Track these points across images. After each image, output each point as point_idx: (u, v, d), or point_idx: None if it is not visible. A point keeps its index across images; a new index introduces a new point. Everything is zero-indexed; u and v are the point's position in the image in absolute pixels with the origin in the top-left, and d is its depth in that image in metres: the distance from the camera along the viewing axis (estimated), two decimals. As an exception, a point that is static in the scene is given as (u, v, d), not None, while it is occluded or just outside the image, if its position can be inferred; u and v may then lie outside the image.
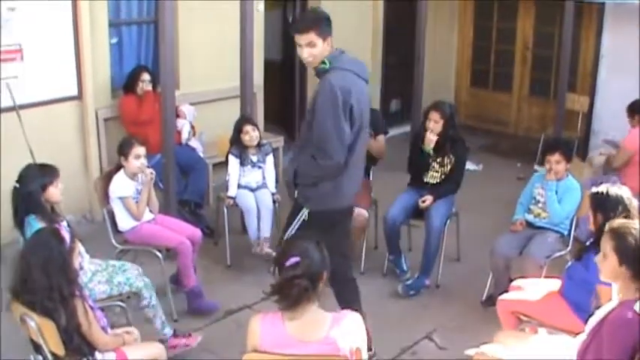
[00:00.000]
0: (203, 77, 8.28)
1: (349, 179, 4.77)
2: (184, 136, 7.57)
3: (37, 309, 3.86)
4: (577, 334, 3.96)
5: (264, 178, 6.77)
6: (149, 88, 7.36)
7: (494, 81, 11.64)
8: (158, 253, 5.71)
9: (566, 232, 5.91)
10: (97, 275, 5.01)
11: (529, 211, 6.07)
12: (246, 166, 6.65)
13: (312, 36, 4.59)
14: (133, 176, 5.71)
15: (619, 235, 3.46)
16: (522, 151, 10.17)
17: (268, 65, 9.24)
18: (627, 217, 4.19)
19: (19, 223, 4.77)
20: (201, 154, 7.74)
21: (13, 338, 4.69)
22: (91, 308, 4.08)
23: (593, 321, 3.55)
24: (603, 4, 9.66)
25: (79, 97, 7.28)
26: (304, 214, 4.74)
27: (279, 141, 8.82)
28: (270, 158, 6.83)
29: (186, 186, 7.29)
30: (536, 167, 8.47)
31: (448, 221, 6.40)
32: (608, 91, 9.83)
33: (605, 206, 4.45)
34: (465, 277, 6.55)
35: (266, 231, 6.59)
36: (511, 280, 5.40)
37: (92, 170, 7.38)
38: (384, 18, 10.63)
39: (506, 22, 11.23)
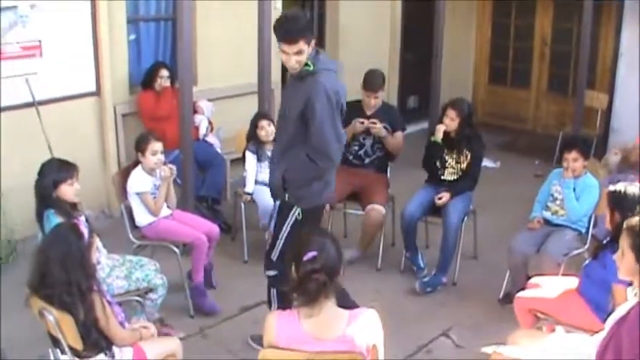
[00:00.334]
0: (221, 73, 8.30)
1: (332, 174, 4.91)
2: (202, 131, 7.59)
3: (56, 303, 3.88)
4: (595, 332, 3.94)
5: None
6: (167, 84, 7.39)
7: (512, 78, 11.61)
8: (175, 249, 5.73)
9: (584, 230, 5.88)
10: (115, 270, 5.03)
11: (547, 208, 6.05)
12: (264, 162, 6.65)
13: (301, 44, 4.55)
14: (150, 172, 5.73)
15: (637, 233, 3.44)
16: (540, 148, 10.12)
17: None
18: None
19: (38, 216, 4.81)
20: (219, 150, 7.75)
21: (31, 332, 4.73)
22: (109, 303, 4.10)
23: (612, 319, 3.53)
24: (622, 0, 9.60)
25: (98, 93, 7.31)
26: (297, 212, 4.79)
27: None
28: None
29: (203, 182, 7.30)
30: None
31: (465, 218, 6.38)
32: (627, 89, 9.75)
33: (622, 205, 4.42)
34: (482, 275, 6.54)
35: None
36: (528, 278, 5.38)
37: (110, 166, 7.41)
38: (402, 16, 10.62)
39: (525, 19, 11.20)
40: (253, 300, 5.88)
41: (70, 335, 3.92)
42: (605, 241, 4.67)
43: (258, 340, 4.44)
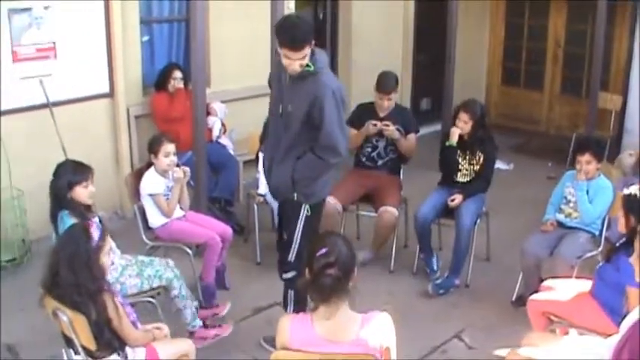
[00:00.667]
0: (234, 75, 8.31)
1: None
2: (215, 133, 7.60)
3: (68, 304, 3.89)
4: (608, 335, 3.93)
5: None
6: (180, 85, 7.40)
7: (525, 79, 11.57)
8: (188, 250, 5.75)
9: (597, 233, 5.86)
10: (127, 269, 5.04)
11: (560, 210, 6.02)
12: (277, 163, 6.66)
13: (305, 50, 4.57)
14: (163, 173, 5.74)
15: None
16: (554, 150, 10.09)
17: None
18: None
19: (53, 217, 4.83)
20: (232, 152, 7.76)
21: (44, 332, 4.75)
22: (121, 304, 4.11)
23: (627, 322, 3.52)
24: (637, 1, 9.56)
25: (111, 94, 7.34)
26: (306, 210, 4.89)
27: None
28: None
29: (216, 183, 7.31)
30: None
31: (478, 220, 6.37)
32: (641, 90, 9.73)
33: (637, 209, 4.40)
34: (495, 277, 6.52)
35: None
36: (542, 281, 5.37)
37: (123, 167, 7.44)
38: (415, 17, 10.60)
39: (538, 20, 11.17)
40: (266, 301, 5.89)
41: (84, 335, 3.94)
42: (618, 244, 4.65)
43: (271, 341, 4.43)
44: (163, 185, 5.74)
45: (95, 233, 4.09)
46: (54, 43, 6.83)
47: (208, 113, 7.38)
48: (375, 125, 6.58)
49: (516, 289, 6.04)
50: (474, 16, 11.30)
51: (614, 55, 10.24)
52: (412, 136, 6.76)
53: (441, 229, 6.85)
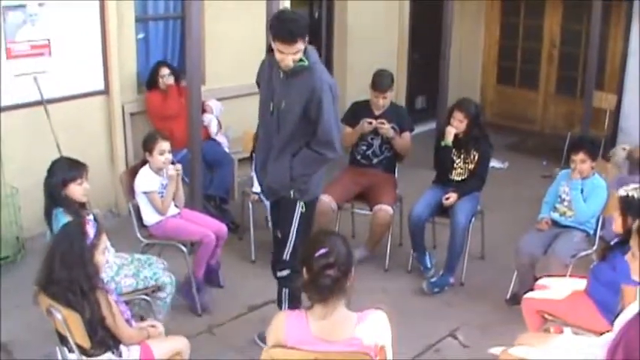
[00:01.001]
0: (229, 73, 8.30)
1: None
2: (213, 130, 7.57)
3: (62, 301, 3.89)
4: (602, 333, 3.94)
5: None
6: (170, 82, 7.37)
7: (520, 79, 11.58)
8: (183, 248, 5.74)
9: (592, 232, 5.87)
10: (123, 269, 5.04)
11: (555, 209, 6.03)
12: (272, 161, 6.65)
13: (299, 45, 4.54)
14: (158, 171, 5.73)
15: None
16: (549, 149, 10.10)
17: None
18: None
19: (47, 215, 4.82)
20: (227, 149, 7.75)
21: (38, 330, 4.74)
22: (115, 302, 4.11)
23: (622, 320, 3.52)
24: (631, 1, 9.58)
25: (106, 91, 7.32)
26: (301, 206, 4.90)
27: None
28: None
29: (211, 181, 7.30)
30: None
31: (473, 219, 6.38)
32: (635, 89, 9.73)
33: (634, 209, 4.40)
34: (490, 276, 6.53)
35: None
36: (536, 279, 5.37)
37: (118, 164, 7.43)
38: (410, 16, 10.61)
39: (533, 20, 11.17)
40: (261, 299, 5.89)
41: (78, 333, 3.93)
42: (613, 243, 4.65)
43: (265, 338, 4.43)
44: (158, 183, 5.74)
45: (90, 231, 4.08)
46: (48, 40, 6.81)
47: (204, 111, 7.38)
48: (371, 123, 6.58)
49: (511, 288, 6.04)
50: (469, 15, 11.31)
51: (608, 54, 10.26)
52: (407, 135, 6.76)
53: (435, 227, 6.86)
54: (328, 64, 9.33)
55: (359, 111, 6.76)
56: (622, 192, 4.52)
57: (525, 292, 5.17)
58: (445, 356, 5.38)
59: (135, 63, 7.66)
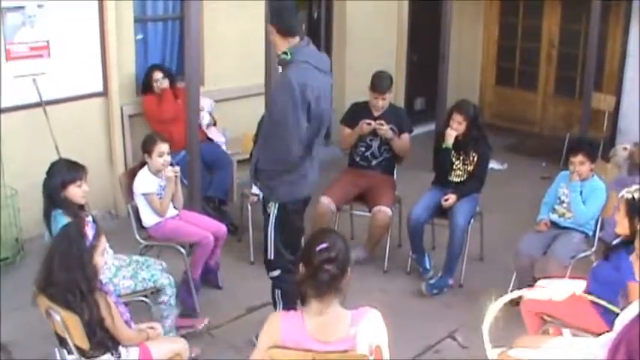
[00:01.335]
0: (228, 74, 8.30)
1: (312, 168, 4.85)
2: (205, 122, 7.52)
3: (61, 303, 3.89)
4: (600, 334, 3.94)
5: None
6: (164, 85, 7.36)
7: (519, 79, 11.58)
8: (182, 249, 5.74)
9: (591, 233, 5.87)
10: (121, 270, 5.04)
11: (554, 210, 6.04)
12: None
13: (273, 33, 4.67)
14: (156, 173, 5.73)
15: None
16: (547, 150, 10.10)
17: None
18: None
19: (46, 216, 4.81)
20: (224, 147, 7.72)
21: (37, 332, 4.74)
22: (114, 303, 4.11)
23: (624, 319, 3.52)
24: (630, 2, 9.58)
25: (105, 93, 7.33)
26: (275, 207, 4.85)
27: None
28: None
29: (210, 182, 7.30)
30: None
31: (472, 220, 6.38)
32: (634, 90, 9.74)
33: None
34: (489, 277, 6.52)
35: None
36: (535, 280, 5.37)
37: (117, 166, 7.42)
38: (409, 16, 10.61)
39: (532, 20, 11.17)
40: (260, 300, 5.88)
41: (77, 335, 3.93)
42: (617, 242, 4.64)
43: None
44: (156, 185, 5.73)
45: (90, 232, 4.08)
46: (47, 41, 6.82)
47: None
48: (370, 124, 6.59)
49: (510, 289, 6.03)
50: (468, 16, 11.31)
51: (607, 55, 10.25)
52: (406, 136, 6.76)
53: (434, 228, 6.86)
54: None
55: (358, 112, 6.76)
56: (627, 195, 4.51)
57: (524, 294, 5.16)
58: (444, 357, 5.38)
59: (134, 64, 7.66)
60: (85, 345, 3.95)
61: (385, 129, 6.57)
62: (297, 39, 4.65)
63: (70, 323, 3.90)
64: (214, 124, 7.78)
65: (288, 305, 4.81)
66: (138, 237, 5.81)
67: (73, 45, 7.00)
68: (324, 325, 3.31)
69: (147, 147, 5.72)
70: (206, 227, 5.86)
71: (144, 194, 5.71)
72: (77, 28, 7.02)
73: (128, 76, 7.57)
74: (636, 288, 3.81)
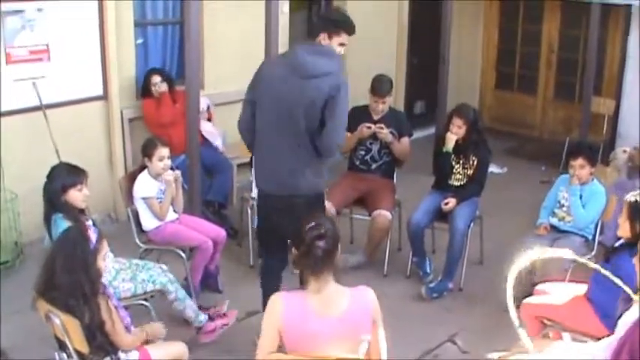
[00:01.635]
0: (228, 78, 8.28)
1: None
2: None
3: (61, 306, 3.89)
4: (599, 339, 3.94)
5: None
6: (163, 89, 7.36)
7: (519, 83, 11.58)
8: (182, 253, 5.74)
9: (590, 237, 5.88)
10: (120, 273, 5.04)
11: (553, 214, 6.04)
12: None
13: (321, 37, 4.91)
14: (156, 177, 5.73)
15: None
16: (547, 154, 10.10)
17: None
18: None
19: (46, 220, 4.81)
20: (219, 143, 7.73)
21: (37, 335, 4.74)
22: (115, 307, 4.11)
23: (626, 321, 3.53)
24: (630, 6, 9.59)
25: (105, 97, 7.33)
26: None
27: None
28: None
29: (210, 186, 7.30)
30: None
31: (472, 224, 6.38)
32: (634, 94, 9.74)
33: None
34: (489, 281, 6.49)
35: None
36: (534, 284, 5.37)
37: (117, 170, 7.42)
38: (409, 19, 10.61)
39: (532, 24, 11.18)
40: (259, 305, 5.87)
41: (76, 338, 3.93)
42: (617, 245, 4.63)
43: None
44: (156, 188, 5.74)
45: (92, 236, 4.09)
46: (47, 45, 6.82)
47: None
48: (369, 128, 6.59)
49: (509, 293, 6.02)
50: (468, 19, 11.31)
51: (607, 59, 10.25)
52: (406, 140, 6.76)
53: (434, 232, 6.86)
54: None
55: (358, 116, 6.75)
56: (631, 198, 4.51)
57: (524, 298, 5.16)
58: (444, 361, 5.38)
59: (134, 68, 7.65)
60: (84, 349, 3.95)
61: (385, 133, 6.57)
62: None
63: (69, 327, 3.90)
64: (209, 119, 7.74)
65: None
66: (138, 241, 5.81)
67: (72, 48, 7.01)
68: (325, 300, 3.48)
69: (147, 151, 5.72)
70: (206, 232, 5.86)
71: (144, 198, 5.71)
72: (77, 31, 7.02)
73: (128, 79, 7.57)
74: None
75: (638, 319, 3.43)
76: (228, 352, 5.34)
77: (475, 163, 6.41)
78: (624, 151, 8.01)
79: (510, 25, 11.47)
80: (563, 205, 5.98)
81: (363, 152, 6.77)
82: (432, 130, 10.07)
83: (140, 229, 5.83)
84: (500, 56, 11.73)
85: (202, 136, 7.38)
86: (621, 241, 4.58)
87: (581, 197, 5.81)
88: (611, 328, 3.89)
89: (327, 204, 6.32)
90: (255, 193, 6.62)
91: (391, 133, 6.62)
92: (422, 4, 10.66)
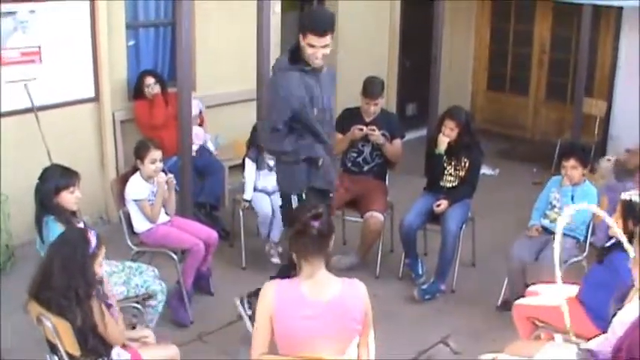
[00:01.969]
0: (220, 80, 8.29)
1: None
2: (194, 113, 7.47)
3: (53, 308, 3.87)
4: (590, 339, 3.95)
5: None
6: (156, 91, 7.35)
7: (510, 84, 11.60)
8: (173, 255, 5.73)
9: (582, 238, 5.88)
10: (113, 276, 5.03)
11: (545, 216, 6.05)
12: (263, 170, 6.65)
13: (328, 39, 4.68)
14: (148, 179, 5.72)
15: None
16: (539, 155, 10.11)
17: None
18: None
19: (37, 222, 4.79)
20: (210, 146, 7.72)
21: (28, 339, 4.72)
22: (108, 306, 4.10)
23: (623, 320, 3.53)
24: (621, 8, 9.62)
25: (97, 99, 7.31)
26: None
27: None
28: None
29: (202, 188, 7.29)
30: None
31: (464, 226, 6.38)
32: (625, 96, 9.78)
33: (637, 214, 4.40)
34: (481, 282, 6.54)
35: (275, 236, 6.61)
36: (527, 286, 5.38)
37: (109, 172, 7.41)
38: (401, 20, 10.61)
39: (524, 25, 11.19)
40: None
41: (68, 341, 3.92)
42: (610, 244, 4.65)
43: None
44: (148, 191, 5.73)
45: (93, 240, 4.07)
46: (39, 47, 6.81)
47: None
48: (361, 130, 6.59)
49: (502, 294, 6.05)
50: (459, 21, 11.33)
51: (598, 61, 10.28)
52: (398, 142, 6.76)
53: (426, 234, 6.86)
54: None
55: (349, 117, 6.76)
56: (625, 196, 4.53)
57: (516, 299, 5.17)
58: (437, 362, 5.39)
59: (125, 70, 7.64)
60: (75, 351, 3.94)
61: (377, 134, 6.57)
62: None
63: (61, 329, 3.89)
64: (200, 124, 7.73)
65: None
66: (130, 243, 5.80)
67: (64, 50, 6.99)
68: (317, 285, 3.51)
69: (139, 153, 5.71)
70: (197, 234, 5.86)
71: (135, 200, 5.70)
72: (69, 33, 7.01)
73: (120, 81, 7.56)
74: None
75: (637, 318, 3.44)
76: (222, 353, 5.34)
77: (467, 164, 6.42)
78: (608, 160, 8.04)
79: (502, 26, 11.48)
80: (554, 207, 5.99)
81: (355, 154, 6.77)
82: (424, 132, 10.06)
83: (132, 231, 5.82)
84: (492, 57, 11.74)
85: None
86: (612, 240, 4.60)
87: (572, 198, 5.82)
88: (603, 329, 3.90)
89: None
90: (247, 195, 6.65)
91: (383, 135, 6.62)
92: (413, 5, 10.66)
